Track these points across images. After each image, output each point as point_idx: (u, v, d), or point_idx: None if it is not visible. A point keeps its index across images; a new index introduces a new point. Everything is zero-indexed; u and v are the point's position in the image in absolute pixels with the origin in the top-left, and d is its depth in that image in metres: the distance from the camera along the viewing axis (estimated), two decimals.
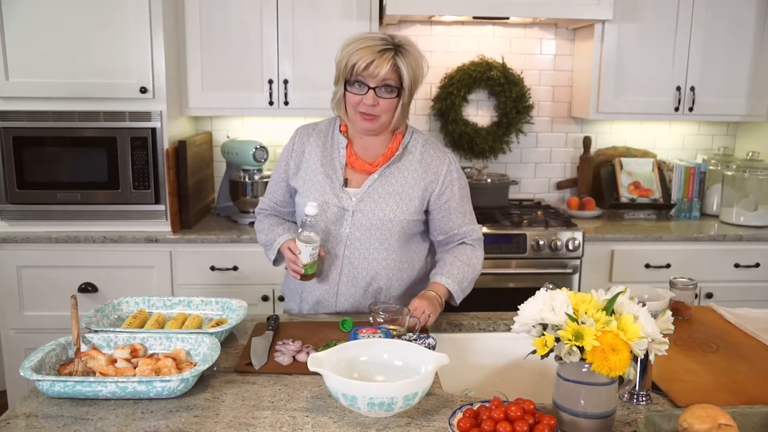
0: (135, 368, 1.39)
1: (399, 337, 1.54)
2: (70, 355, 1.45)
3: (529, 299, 1.24)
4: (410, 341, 1.49)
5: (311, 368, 1.26)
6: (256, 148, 3.00)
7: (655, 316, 1.24)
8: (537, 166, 3.54)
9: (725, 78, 3.16)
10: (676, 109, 3.16)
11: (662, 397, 1.38)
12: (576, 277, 2.90)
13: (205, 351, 1.46)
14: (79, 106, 2.70)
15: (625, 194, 3.30)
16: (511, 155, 3.49)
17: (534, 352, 1.19)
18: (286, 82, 2.96)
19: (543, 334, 1.19)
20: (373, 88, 1.69)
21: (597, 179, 3.47)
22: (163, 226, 2.80)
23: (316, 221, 1.72)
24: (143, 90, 2.69)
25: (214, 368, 1.46)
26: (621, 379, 1.28)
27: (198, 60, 2.92)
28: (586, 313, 1.17)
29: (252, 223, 2.94)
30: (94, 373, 1.38)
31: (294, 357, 1.52)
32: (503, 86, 3.32)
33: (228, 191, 3.14)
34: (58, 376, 1.30)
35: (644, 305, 1.22)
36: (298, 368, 1.47)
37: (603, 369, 1.13)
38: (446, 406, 1.33)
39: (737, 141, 3.57)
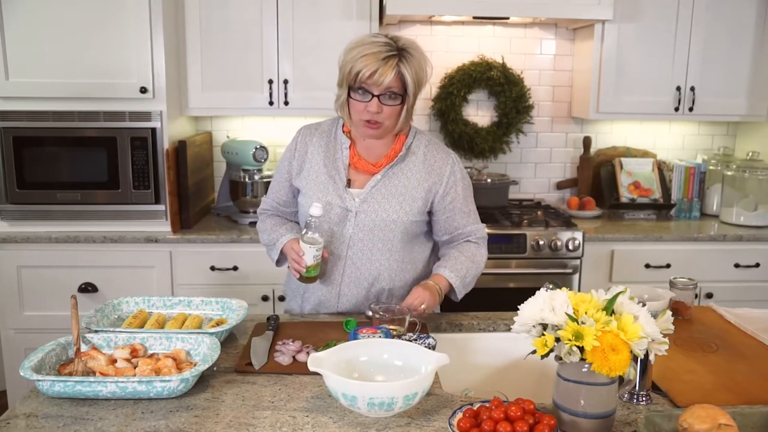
0: (135, 368, 1.39)
1: (399, 337, 1.54)
2: (70, 355, 1.45)
3: (529, 299, 1.24)
4: (410, 341, 1.49)
5: (311, 368, 1.26)
6: (256, 148, 3.00)
7: (655, 316, 1.24)
8: (537, 166, 3.54)
9: (725, 78, 3.16)
10: (676, 109, 3.16)
11: (662, 397, 1.38)
12: (576, 277, 2.90)
13: (205, 351, 1.46)
14: (79, 106, 2.70)
15: (625, 194, 3.30)
16: (511, 155, 3.49)
17: (534, 352, 1.19)
18: (286, 82, 2.96)
19: (543, 334, 1.19)
20: (377, 96, 1.68)
21: (597, 179, 3.47)
22: (163, 226, 2.80)
23: (320, 222, 1.71)
24: (143, 90, 2.69)
25: (214, 368, 1.46)
26: (621, 379, 1.28)
27: (198, 60, 2.92)
28: (586, 313, 1.17)
29: (252, 223, 2.94)
30: (94, 373, 1.38)
31: (294, 357, 1.52)
32: (503, 86, 3.32)
33: (228, 191, 3.14)
34: (58, 376, 1.30)
35: (644, 305, 1.22)
36: (298, 368, 1.47)
37: (603, 369, 1.13)
38: (446, 406, 1.33)
39: (737, 141, 3.57)
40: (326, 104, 2.82)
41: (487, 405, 1.22)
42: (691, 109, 3.16)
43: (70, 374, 1.37)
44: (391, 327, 1.57)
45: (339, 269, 1.82)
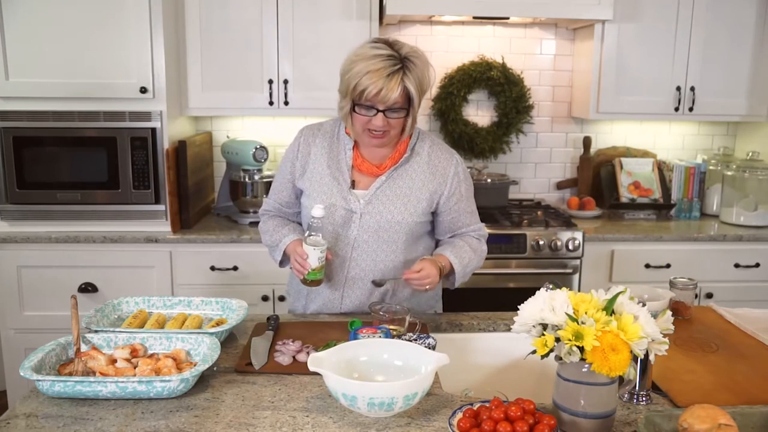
0: (135, 368, 1.39)
1: (399, 337, 1.54)
2: (70, 355, 1.45)
3: (529, 299, 1.24)
4: (410, 341, 1.49)
5: (311, 368, 1.26)
6: (256, 148, 3.00)
7: (655, 316, 1.24)
8: (537, 166, 3.54)
9: (725, 78, 3.16)
10: (676, 109, 3.16)
11: (662, 397, 1.38)
12: (576, 277, 2.90)
13: (205, 351, 1.46)
14: (79, 106, 2.70)
15: (625, 194, 3.30)
16: (511, 155, 3.49)
17: (534, 352, 1.19)
18: (286, 82, 2.96)
19: (543, 334, 1.19)
20: (383, 111, 1.67)
21: (597, 179, 3.47)
22: (163, 226, 2.80)
23: (323, 224, 1.71)
24: (143, 90, 2.69)
25: (214, 368, 1.46)
26: (621, 379, 1.28)
27: (198, 60, 2.92)
28: (586, 313, 1.17)
29: (252, 223, 2.94)
30: (94, 373, 1.38)
31: (294, 357, 1.52)
32: (503, 86, 3.32)
33: (228, 191, 3.14)
34: (58, 376, 1.30)
35: (644, 305, 1.22)
36: (298, 368, 1.47)
37: (603, 369, 1.13)
38: (446, 406, 1.33)
39: (737, 141, 3.57)
40: (326, 104, 2.85)
41: (487, 405, 1.22)
42: (691, 109, 3.16)
43: (70, 374, 1.37)
44: (391, 327, 1.57)
45: (343, 270, 1.81)
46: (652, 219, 3.25)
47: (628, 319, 1.16)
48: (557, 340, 1.17)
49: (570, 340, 1.15)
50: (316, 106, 2.96)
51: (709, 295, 2.99)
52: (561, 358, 1.17)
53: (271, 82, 2.96)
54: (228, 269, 2.82)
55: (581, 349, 1.15)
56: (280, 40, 2.93)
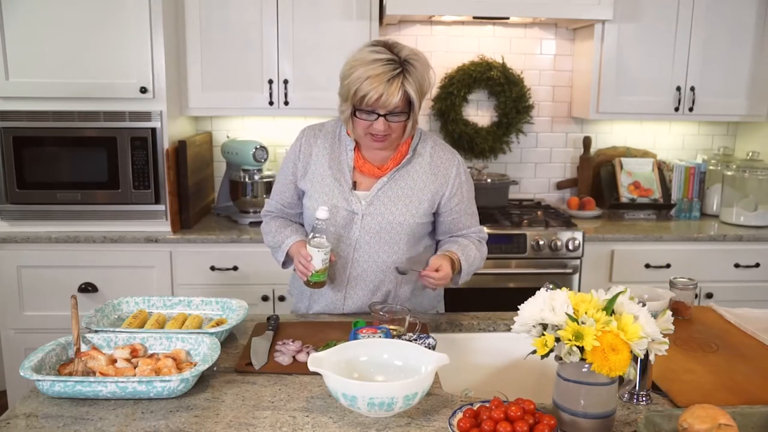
0: (135, 368, 1.39)
1: (399, 337, 1.54)
2: (70, 355, 1.45)
3: (529, 299, 1.24)
4: (410, 341, 1.49)
5: (311, 368, 1.26)
6: (256, 148, 3.00)
7: (655, 316, 1.24)
8: (537, 166, 3.54)
9: (725, 78, 3.16)
10: (676, 109, 3.16)
11: (662, 397, 1.38)
12: (576, 277, 2.90)
13: (205, 351, 1.46)
14: (79, 106, 2.70)
15: (625, 194, 3.30)
16: (511, 155, 3.49)
17: (534, 352, 1.19)
18: (286, 82, 2.96)
19: (543, 334, 1.19)
20: (384, 115, 1.66)
21: (597, 179, 3.47)
22: (163, 226, 2.80)
23: (327, 225, 1.70)
24: (143, 90, 2.69)
25: (214, 368, 1.46)
26: (621, 379, 1.28)
27: (198, 60, 2.92)
28: (586, 313, 1.17)
29: (252, 223, 2.94)
30: (94, 373, 1.38)
31: (294, 357, 1.52)
32: (503, 86, 3.32)
33: (228, 191, 3.14)
34: (58, 376, 1.30)
35: (644, 305, 1.22)
36: (298, 368, 1.47)
37: (603, 369, 1.13)
38: (446, 406, 1.33)
39: (737, 141, 3.57)
40: (326, 104, 2.85)
41: (487, 405, 1.22)
42: (691, 109, 3.16)
43: (70, 374, 1.37)
44: (391, 327, 1.57)
45: (345, 271, 1.81)
46: (652, 219, 3.25)
47: (628, 319, 1.16)
48: (557, 340, 1.17)
49: (570, 340, 1.15)
50: (316, 106, 2.96)
51: (709, 295, 2.99)
52: (561, 358, 1.17)
53: (271, 82, 2.96)
54: (228, 269, 2.82)
55: (581, 349, 1.15)
56: (280, 40, 2.93)
